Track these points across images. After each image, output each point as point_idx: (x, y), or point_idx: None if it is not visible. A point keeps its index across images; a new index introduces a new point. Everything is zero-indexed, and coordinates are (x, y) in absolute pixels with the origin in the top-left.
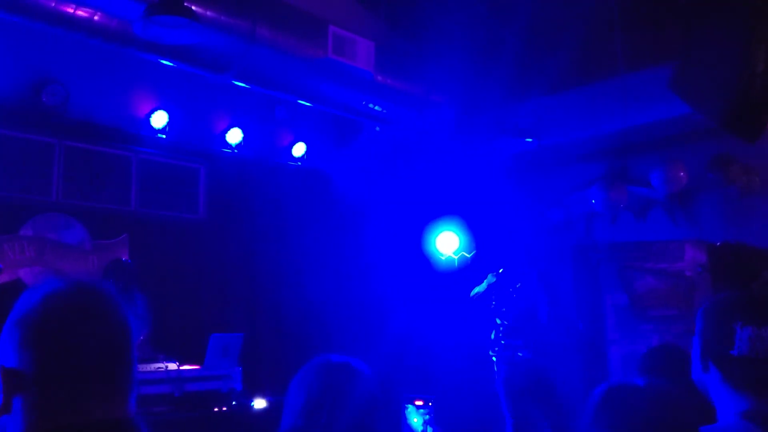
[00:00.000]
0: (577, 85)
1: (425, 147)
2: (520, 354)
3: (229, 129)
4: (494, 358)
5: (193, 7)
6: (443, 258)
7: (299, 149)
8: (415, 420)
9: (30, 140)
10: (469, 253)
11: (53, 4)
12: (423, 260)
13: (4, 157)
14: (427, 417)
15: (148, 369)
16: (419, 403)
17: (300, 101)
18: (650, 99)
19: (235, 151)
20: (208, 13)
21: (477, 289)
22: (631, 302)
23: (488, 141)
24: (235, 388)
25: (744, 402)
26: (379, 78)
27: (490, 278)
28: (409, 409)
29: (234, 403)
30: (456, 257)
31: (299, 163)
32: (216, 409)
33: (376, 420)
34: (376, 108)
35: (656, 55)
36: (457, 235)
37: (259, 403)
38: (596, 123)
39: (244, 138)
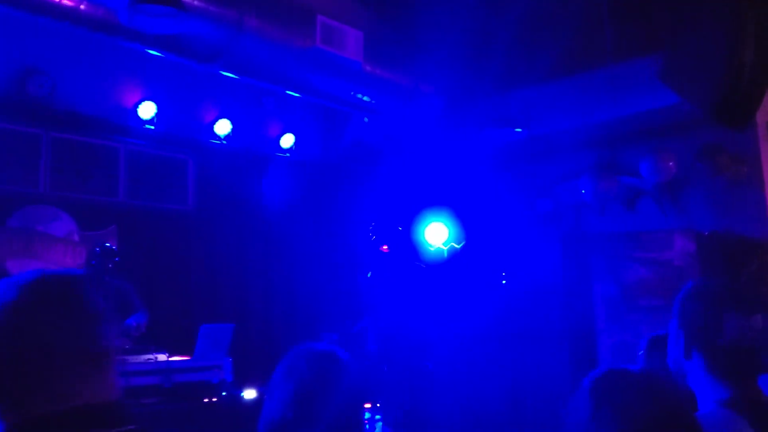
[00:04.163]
0: (567, 75)
1: (414, 137)
2: None
3: (217, 120)
4: None
5: None
6: (432, 248)
7: (288, 140)
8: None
9: (16, 131)
10: (458, 244)
11: None
12: (412, 251)
13: None
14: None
15: (138, 360)
16: (367, 406)
17: (288, 92)
18: (639, 89)
19: (224, 142)
20: (196, 2)
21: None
22: (620, 292)
23: (477, 131)
24: (225, 379)
25: (723, 390)
26: (368, 68)
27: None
28: None
29: (224, 393)
30: (445, 248)
31: (288, 154)
32: (206, 400)
33: (360, 411)
34: (365, 98)
35: (645, 45)
36: (447, 225)
37: (249, 394)
38: (585, 113)
39: (232, 129)
